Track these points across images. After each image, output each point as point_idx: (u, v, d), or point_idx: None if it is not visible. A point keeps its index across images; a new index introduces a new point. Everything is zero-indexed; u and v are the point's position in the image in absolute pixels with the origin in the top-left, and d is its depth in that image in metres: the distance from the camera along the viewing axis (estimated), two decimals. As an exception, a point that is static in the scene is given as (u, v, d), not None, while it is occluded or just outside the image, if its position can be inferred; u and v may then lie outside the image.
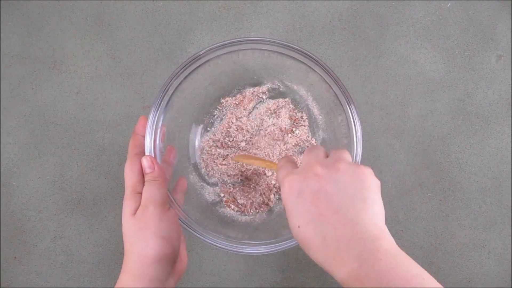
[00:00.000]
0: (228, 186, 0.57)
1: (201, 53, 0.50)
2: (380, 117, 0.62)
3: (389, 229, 0.37)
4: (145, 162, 0.45)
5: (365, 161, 0.61)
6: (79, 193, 0.61)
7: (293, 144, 0.57)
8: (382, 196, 0.63)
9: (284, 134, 0.57)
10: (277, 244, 0.49)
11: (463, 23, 0.62)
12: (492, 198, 0.61)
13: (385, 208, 0.46)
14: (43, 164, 0.61)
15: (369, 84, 0.62)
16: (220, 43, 0.50)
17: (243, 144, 0.57)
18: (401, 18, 0.62)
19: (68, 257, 0.61)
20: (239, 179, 0.57)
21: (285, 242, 0.49)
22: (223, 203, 0.57)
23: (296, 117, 0.58)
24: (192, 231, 0.48)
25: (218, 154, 0.57)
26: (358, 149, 0.49)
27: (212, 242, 0.49)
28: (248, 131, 0.57)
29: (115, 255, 0.61)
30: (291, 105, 0.58)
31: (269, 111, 0.58)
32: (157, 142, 0.49)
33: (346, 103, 0.50)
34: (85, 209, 0.61)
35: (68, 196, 0.61)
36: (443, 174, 0.61)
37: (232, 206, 0.57)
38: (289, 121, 0.58)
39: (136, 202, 0.43)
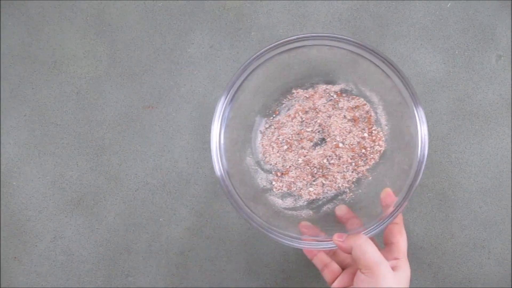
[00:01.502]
0: (282, 175, 0.57)
1: (278, 42, 0.50)
2: (380, 117, 0.62)
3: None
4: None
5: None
6: (79, 193, 0.61)
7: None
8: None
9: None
10: (320, 243, 0.50)
11: (463, 23, 0.62)
12: (492, 198, 0.61)
13: (385, 208, 0.47)
14: (43, 164, 0.61)
15: (369, 84, 0.62)
16: (296, 36, 0.50)
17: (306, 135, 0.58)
18: (401, 18, 0.62)
19: (68, 257, 0.61)
20: (297, 168, 0.57)
21: (326, 242, 0.50)
22: (273, 190, 0.57)
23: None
24: (241, 213, 0.50)
25: (278, 142, 0.57)
26: (420, 173, 0.50)
27: (256, 226, 0.50)
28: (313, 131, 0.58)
29: (115, 255, 0.61)
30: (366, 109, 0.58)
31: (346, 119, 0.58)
32: (222, 134, 0.51)
33: (417, 118, 0.50)
34: (85, 209, 0.61)
35: (68, 196, 0.61)
36: (443, 174, 0.61)
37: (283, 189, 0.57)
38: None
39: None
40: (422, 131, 0.50)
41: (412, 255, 0.61)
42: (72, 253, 0.61)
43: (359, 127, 0.57)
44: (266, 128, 0.58)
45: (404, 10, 0.62)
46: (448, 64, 0.62)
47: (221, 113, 0.51)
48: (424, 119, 0.50)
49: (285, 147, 0.57)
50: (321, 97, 0.57)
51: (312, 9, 0.62)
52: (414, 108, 0.50)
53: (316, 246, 0.50)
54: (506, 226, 0.61)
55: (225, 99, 0.51)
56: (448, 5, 0.62)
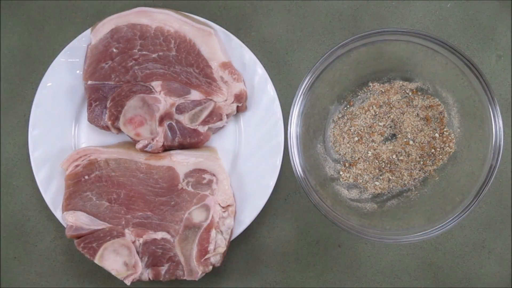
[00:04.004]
0: (349, 167, 0.58)
1: (363, 34, 0.51)
2: (380, 117, 0.62)
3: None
4: None
5: (365, 161, 0.61)
6: (79, 193, 0.61)
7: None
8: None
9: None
10: (385, 237, 0.51)
11: (463, 23, 0.62)
12: (492, 198, 0.61)
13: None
14: (43, 164, 0.61)
15: (369, 84, 0.62)
16: (382, 30, 0.52)
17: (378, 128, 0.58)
18: (401, 18, 0.62)
19: (68, 257, 0.61)
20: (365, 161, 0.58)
21: (389, 236, 0.51)
22: (340, 180, 0.58)
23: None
24: (310, 198, 0.52)
25: (349, 133, 0.58)
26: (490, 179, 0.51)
27: (324, 213, 0.51)
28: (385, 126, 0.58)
29: (115, 255, 0.61)
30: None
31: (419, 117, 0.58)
32: (299, 121, 0.52)
33: (493, 121, 0.50)
34: (85, 209, 0.61)
35: (68, 196, 0.61)
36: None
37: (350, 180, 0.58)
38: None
39: None
40: (497, 135, 0.51)
41: (412, 255, 0.61)
42: (72, 253, 0.61)
43: (431, 126, 0.57)
44: (339, 117, 0.59)
45: (404, 10, 0.62)
46: (448, 64, 0.62)
47: (300, 99, 0.52)
48: (500, 123, 0.50)
49: (356, 138, 0.58)
50: (397, 93, 0.58)
51: (312, 9, 0.62)
52: (490, 109, 0.51)
53: (379, 240, 0.51)
54: (506, 226, 0.61)
55: (303, 88, 0.52)
56: (448, 5, 0.62)
